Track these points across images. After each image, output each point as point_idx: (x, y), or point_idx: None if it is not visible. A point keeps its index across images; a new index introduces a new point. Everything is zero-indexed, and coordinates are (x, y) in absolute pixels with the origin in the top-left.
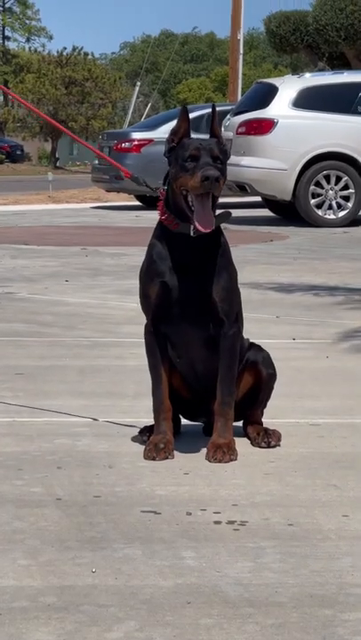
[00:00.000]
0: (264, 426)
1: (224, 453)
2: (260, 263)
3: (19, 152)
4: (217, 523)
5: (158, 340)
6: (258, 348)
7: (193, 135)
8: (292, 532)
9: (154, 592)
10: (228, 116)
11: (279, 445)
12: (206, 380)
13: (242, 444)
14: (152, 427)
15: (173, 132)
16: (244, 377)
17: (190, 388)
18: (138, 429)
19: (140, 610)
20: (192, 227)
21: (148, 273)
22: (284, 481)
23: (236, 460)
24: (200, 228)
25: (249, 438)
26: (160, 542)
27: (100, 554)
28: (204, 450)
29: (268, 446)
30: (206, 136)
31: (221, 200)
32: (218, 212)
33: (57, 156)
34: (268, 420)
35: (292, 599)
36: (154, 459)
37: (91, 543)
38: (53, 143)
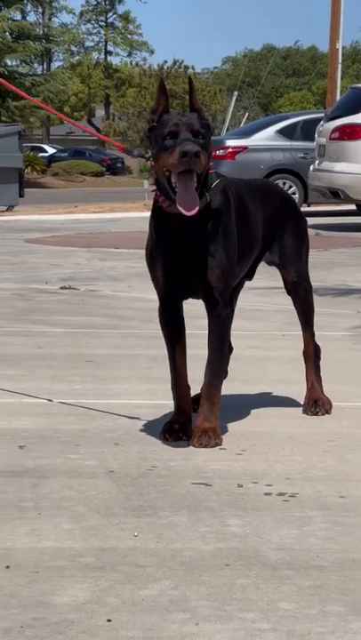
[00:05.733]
0: (317, 394)
1: (210, 438)
2: (349, 265)
3: (119, 165)
4: (267, 494)
5: (171, 318)
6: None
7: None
8: (343, 503)
9: (193, 555)
10: (322, 122)
11: (329, 413)
12: None
13: (305, 424)
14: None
15: (153, 111)
16: None
17: None
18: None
19: (177, 570)
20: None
21: (152, 255)
22: (342, 458)
23: (221, 444)
24: (183, 211)
25: None
26: (207, 511)
27: (144, 520)
28: (261, 430)
29: (316, 415)
30: (298, 143)
31: (317, 208)
32: (214, 183)
33: None
34: (334, 403)
35: (333, 563)
36: (167, 440)
37: (137, 511)
38: None
